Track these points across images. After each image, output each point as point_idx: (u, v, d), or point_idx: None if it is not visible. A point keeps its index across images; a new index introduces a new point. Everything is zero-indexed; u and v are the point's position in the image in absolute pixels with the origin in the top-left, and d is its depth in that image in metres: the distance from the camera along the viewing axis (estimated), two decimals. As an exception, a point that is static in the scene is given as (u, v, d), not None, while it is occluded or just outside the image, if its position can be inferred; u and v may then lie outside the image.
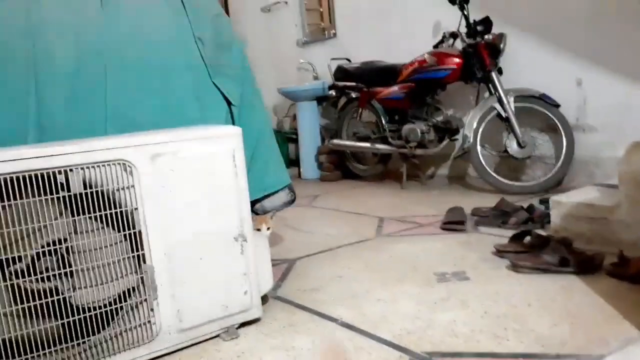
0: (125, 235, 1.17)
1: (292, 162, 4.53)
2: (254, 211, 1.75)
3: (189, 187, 1.24)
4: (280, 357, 1.21)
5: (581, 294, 1.45)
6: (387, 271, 1.77)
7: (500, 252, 1.81)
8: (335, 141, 3.80)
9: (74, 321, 1.10)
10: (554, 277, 1.58)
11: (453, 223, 2.24)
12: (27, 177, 1.05)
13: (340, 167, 4.06)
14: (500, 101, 2.91)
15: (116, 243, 1.16)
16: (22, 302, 1.05)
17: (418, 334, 1.29)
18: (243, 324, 1.37)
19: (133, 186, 1.17)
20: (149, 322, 1.18)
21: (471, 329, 1.29)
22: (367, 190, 3.49)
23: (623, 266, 1.54)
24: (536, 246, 1.74)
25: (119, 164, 1.15)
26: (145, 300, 1.18)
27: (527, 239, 1.84)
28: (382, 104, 3.52)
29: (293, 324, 1.39)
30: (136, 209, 1.17)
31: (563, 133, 2.84)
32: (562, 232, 1.95)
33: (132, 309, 1.17)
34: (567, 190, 2.31)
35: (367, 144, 3.60)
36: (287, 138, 4.60)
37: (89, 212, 1.12)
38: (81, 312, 1.11)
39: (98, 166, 1.13)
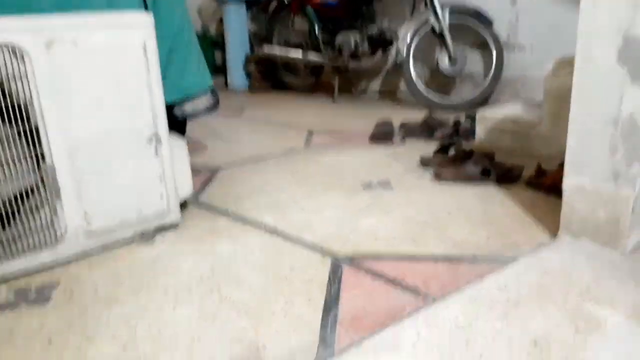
0: (20, 132, 1.04)
1: (218, 69, 4.29)
2: (173, 115, 1.63)
3: (93, 80, 1.10)
4: (198, 263, 1.17)
5: (499, 203, 1.49)
6: (314, 181, 1.74)
7: (424, 163, 1.82)
8: (267, 47, 3.61)
9: (-37, 224, 0.99)
10: (474, 188, 1.61)
11: (381, 136, 2.22)
12: None
13: (269, 77, 3.90)
14: (435, 15, 2.85)
15: (10, 139, 1.03)
16: None
17: (341, 239, 1.28)
18: (161, 230, 1.30)
19: (26, 75, 1.02)
20: (52, 224, 1.09)
21: (392, 234, 1.30)
22: (297, 103, 3.40)
23: (540, 178, 1.59)
24: (459, 158, 1.77)
25: (6, 47, 0.99)
26: (47, 201, 1.08)
27: (452, 151, 1.86)
28: (315, 11, 3.36)
29: (215, 231, 1.34)
30: (31, 102, 1.03)
31: (494, 50, 2.85)
32: (486, 146, 1.99)
33: (32, 210, 1.07)
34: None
35: (299, 54, 3.45)
36: (212, 43, 4.32)
37: (-27, 102, 0.98)
38: (-29, 214, 1.00)
39: (-20, 48, 0.97)
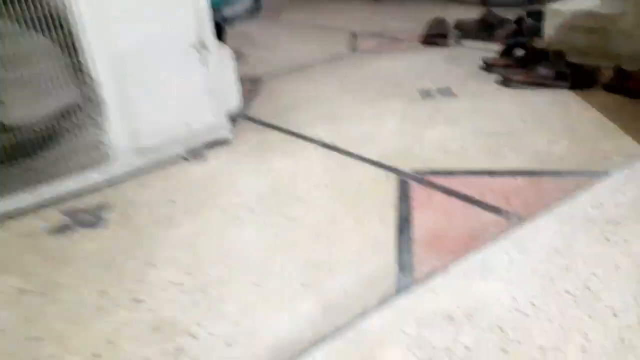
0: (60, 43, 0.94)
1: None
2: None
3: (131, -23, 0.97)
4: (256, 181, 1.09)
5: (578, 109, 1.34)
6: (366, 89, 1.61)
7: (489, 66, 1.65)
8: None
9: (7, 139, 0.92)
10: (547, 93, 1.46)
11: (435, 36, 2.04)
12: None
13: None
14: None
15: (48, 50, 0.93)
16: None
17: (406, 152, 1.18)
18: (212, 146, 1.22)
19: (57, -27, 0.90)
20: (100, 141, 1.01)
21: (463, 146, 1.18)
22: (337, 3, 3.16)
23: (622, 80, 1.42)
24: (529, 60, 1.59)
25: (32, -60, 0.87)
26: (92, 117, 0.99)
27: (519, 52, 1.68)
28: None
29: (269, 147, 1.25)
30: (69, 8, 0.91)
31: None
32: (555, 45, 1.79)
33: (77, 128, 0.99)
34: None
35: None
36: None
37: (9, 12, 0.87)
38: (14, 131, 0.93)
39: (3, -58, 0.84)
